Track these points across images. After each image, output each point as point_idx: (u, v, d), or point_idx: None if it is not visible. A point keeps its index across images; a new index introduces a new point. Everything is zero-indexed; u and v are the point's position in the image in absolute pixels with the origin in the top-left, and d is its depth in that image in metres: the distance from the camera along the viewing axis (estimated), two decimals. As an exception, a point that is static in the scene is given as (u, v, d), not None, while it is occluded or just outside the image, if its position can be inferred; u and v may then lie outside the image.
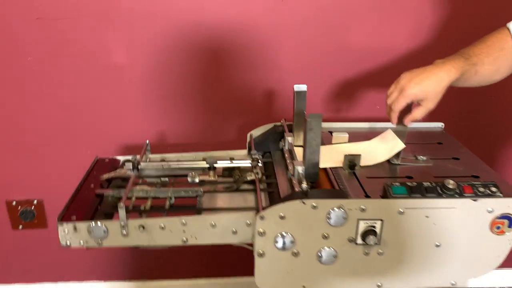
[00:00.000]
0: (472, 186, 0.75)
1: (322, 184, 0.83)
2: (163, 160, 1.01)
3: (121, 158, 1.02)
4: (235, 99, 1.29)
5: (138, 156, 0.92)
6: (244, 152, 1.04)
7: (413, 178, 0.84)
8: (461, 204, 0.74)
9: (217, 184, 0.90)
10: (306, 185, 0.75)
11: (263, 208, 0.74)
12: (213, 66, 1.24)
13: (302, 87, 0.91)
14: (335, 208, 0.73)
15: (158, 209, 0.83)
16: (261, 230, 0.74)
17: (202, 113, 1.30)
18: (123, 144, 1.31)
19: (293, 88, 0.91)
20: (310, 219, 0.74)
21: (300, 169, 0.79)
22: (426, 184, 0.76)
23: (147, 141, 1.01)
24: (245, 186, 0.90)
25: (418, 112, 0.85)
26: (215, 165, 0.90)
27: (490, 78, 0.87)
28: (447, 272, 0.78)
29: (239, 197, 0.87)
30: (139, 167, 0.91)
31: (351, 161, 0.86)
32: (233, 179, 0.90)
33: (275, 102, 1.29)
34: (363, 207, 0.74)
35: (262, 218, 0.74)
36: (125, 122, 1.29)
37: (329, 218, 0.74)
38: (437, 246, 0.76)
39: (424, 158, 0.91)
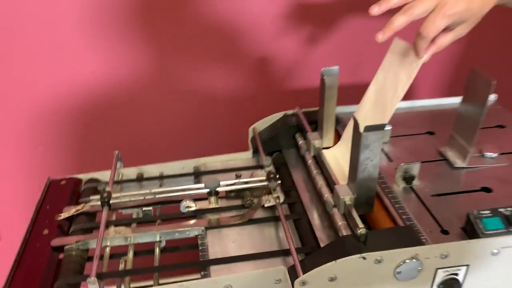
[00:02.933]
0: None
1: (377, 215, 0.59)
2: (140, 177, 0.75)
3: (82, 177, 0.75)
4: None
5: (107, 187, 0.65)
6: (248, 155, 0.79)
7: (493, 191, 0.61)
8: None
9: (222, 213, 0.66)
10: (362, 228, 0.51)
11: (305, 269, 0.51)
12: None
13: (333, 70, 0.64)
14: (407, 260, 0.50)
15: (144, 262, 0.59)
16: (303, 298, 0.51)
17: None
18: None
19: (321, 73, 0.65)
20: (372, 276, 0.51)
21: (348, 199, 0.55)
22: (524, 208, 0.54)
23: (117, 152, 0.74)
24: (260, 212, 0.65)
25: (447, 38, 0.59)
26: (219, 189, 0.65)
27: None
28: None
29: (254, 231, 0.63)
30: (111, 199, 0.64)
31: (407, 172, 0.63)
32: (243, 202, 0.66)
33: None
34: (445, 253, 0.51)
35: (304, 284, 0.51)
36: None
37: (398, 273, 0.51)
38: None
39: (494, 155, 0.68)
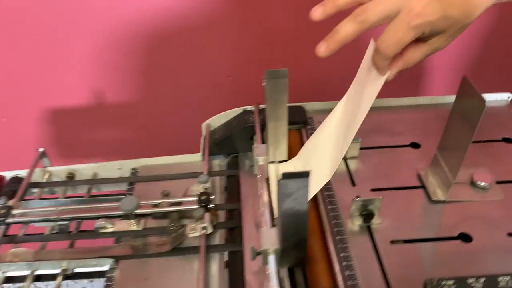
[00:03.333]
0: None
1: (316, 267, 0.47)
2: (70, 176, 0.65)
3: (6, 174, 0.66)
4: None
5: (10, 201, 0.56)
6: (198, 157, 0.67)
7: (473, 240, 0.48)
8: None
9: (143, 238, 0.55)
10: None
11: None
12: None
13: (281, 73, 0.50)
14: None
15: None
16: None
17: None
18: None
19: (264, 74, 0.51)
20: None
21: (271, 251, 0.43)
22: (502, 280, 0.41)
23: (41, 150, 0.64)
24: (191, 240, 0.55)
25: (418, 52, 0.43)
26: (138, 211, 0.54)
27: None
28: None
29: (179, 264, 0.53)
30: (15, 211, 0.55)
31: (366, 206, 0.50)
32: (169, 228, 0.55)
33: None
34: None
35: None
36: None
37: None
38: None
39: (487, 184, 0.54)
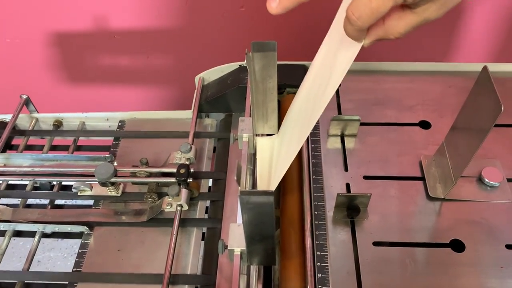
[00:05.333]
0: None
1: (288, 262, 0.45)
2: (57, 124, 0.63)
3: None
4: None
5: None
6: (188, 113, 0.63)
7: (466, 250, 0.44)
8: None
9: (121, 205, 0.54)
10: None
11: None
12: None
13: (269, 45, 0.43)
14: None
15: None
16: None
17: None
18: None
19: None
20: None
21: (237, 251, 0.41)
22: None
23: (25, 97, 0.61)
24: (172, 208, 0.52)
25: (403, 22, 0.34)
26: (113, 180, 0.51)
27: None
28: None
29: (156, 237, 0.51)
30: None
31: (352, 201, 0.46)
32: (147, 199, 0.53)
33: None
34: None
35: None
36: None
37: None
38: None
39: (496, 183, 0.48)
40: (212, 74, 0.62)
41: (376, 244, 0.44)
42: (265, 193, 0.32)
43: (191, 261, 0.49)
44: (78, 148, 0.62)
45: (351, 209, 0.46)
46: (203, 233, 0.53)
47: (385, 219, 0.46)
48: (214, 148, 0.60)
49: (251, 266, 0.43)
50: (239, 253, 0.40)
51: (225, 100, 0.61)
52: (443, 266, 0.43)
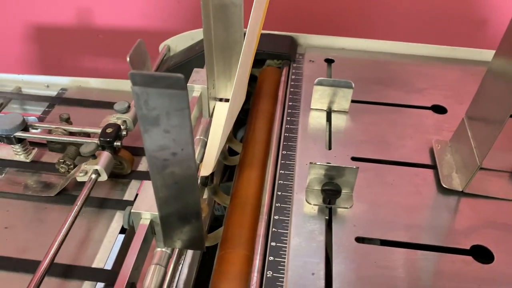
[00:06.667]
0: None
1: (228, 248, 0.31)
2: (-14, 86, 0.51)
3: None
4: None
5: None
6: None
7: (495, 260, 0.29)
8: None
9: (28, 174, 0.40)
10: None
11: None
12: None
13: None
14: None
15: None
16: None
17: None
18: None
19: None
20: None
21: (147, 216, 0.27)
22: None
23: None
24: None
25: None
26: (19, 134, 0.39)
27: None
28: None
29: (58, 216, 0.37)
30: None
31: (331, 179, 0.32)
32: (59, 164, 0.40)
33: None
34: None
35: None
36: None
37: None
38: None
39: (536, 179, 0.34)
40: (180, 41, 0.51)
41: (359, 240, 0.30)
42: (173, 79, 0.19)
43: (101, 252, 0.35)
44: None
45: (329, 191, 0.32)
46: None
47: (375, 209, 0.32)
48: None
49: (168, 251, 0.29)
50: (148, 221, 0.27)
51: (190, 68, 0.49)
52: (461, 279, 0.28)
